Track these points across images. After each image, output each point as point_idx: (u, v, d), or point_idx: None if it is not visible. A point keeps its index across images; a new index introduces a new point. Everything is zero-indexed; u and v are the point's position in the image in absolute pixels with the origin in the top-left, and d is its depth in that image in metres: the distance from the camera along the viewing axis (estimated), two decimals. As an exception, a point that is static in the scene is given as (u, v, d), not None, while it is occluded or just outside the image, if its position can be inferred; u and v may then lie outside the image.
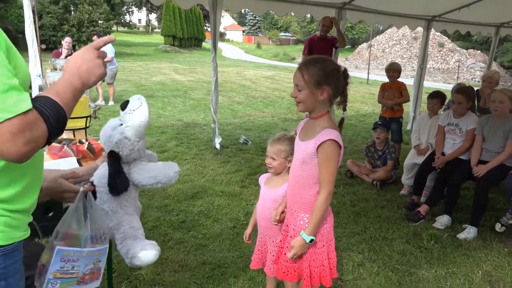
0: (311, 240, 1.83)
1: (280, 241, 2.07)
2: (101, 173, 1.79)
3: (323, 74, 1.79)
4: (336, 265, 2.01)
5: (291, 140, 2.16)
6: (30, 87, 1.22)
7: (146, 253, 1.74)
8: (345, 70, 1.87)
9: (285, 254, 1.95)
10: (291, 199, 1.96)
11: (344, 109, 1.92)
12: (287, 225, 2.02)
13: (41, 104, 1.05)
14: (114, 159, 1.75)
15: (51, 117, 1.05)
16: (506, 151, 3.71)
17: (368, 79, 19.29)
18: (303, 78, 1.81)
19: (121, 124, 1.75)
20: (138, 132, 1.75)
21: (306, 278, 1.91)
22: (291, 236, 1.94)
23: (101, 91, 9.66)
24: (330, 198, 1.84)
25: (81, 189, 1.55)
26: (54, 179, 1.56)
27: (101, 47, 1.29)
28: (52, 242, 1.48)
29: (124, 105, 1.75)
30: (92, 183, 1.71)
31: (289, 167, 2.18)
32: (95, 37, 9.86)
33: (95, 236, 1.54)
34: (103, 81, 9.40)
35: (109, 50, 9.39)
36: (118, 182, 1.74)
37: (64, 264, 1.47)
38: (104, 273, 1.64)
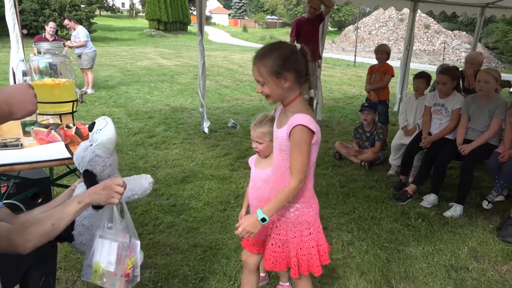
0: (263, 219, 1.76)
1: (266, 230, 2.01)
2: (79, 192, 1.90)
3: (279, 61, 1.67)
4: (327, 251, 1.97)
5: (273, 120, 2.13)
6: None
7: None
8: (302, 48, 1.74)
9: (271, 244, 1.92)
10: (274, 188, 1.90)
11: (310, 88, 1.80)
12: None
13: None
14: (90, 177, 1.86)
15: None
16: (491, 129, 3.77)
17: (355, 61, 19.32)
18: (260, 72, 1.71)
19: (91, 145, 1.86)
20: (108, 148, 1.86)
21: (294, 267, 1.89)
22: (276, 227, 1.91)
23: (86, 78, 9.08)
24: (300, 187, 1.76)
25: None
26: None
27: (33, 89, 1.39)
28: (128, 241, 1.67)
29: (91, 127, 1.85)
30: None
31: None
32: (66, 21, 9.25)
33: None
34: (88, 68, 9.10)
35: (82, 33, 8.99)
36: None
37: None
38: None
